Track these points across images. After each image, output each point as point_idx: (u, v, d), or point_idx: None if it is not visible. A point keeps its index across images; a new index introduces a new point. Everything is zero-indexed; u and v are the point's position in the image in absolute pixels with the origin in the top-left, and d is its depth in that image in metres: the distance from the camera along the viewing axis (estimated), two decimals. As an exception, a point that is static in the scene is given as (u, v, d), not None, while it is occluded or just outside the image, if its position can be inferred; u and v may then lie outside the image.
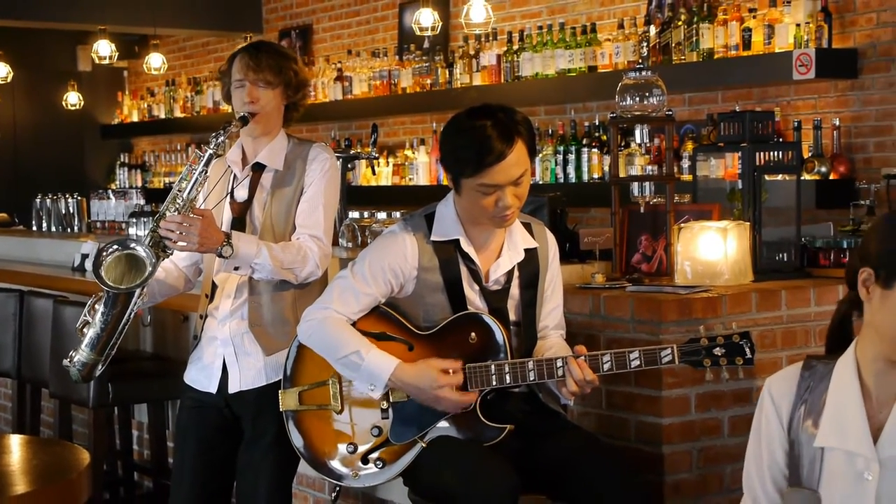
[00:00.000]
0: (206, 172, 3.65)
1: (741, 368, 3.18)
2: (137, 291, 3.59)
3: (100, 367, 3.67)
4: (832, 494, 2.44)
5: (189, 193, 3.61)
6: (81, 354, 3.65)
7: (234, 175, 3.82)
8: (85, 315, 3.67)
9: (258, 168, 3.80)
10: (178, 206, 3.60)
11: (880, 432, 2.44)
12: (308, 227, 3.74)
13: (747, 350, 3.15)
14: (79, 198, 7.84)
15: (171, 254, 3.67)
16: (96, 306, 3.64)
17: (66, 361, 3.68)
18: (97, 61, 9.68)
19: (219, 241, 3.57)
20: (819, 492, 2.46)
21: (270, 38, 9.92)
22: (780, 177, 4.29)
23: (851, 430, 2.45)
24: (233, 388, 3.76)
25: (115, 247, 3.59)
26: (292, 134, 3.90)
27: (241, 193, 3.80)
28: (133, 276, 3.58)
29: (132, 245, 3.59)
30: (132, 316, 3.64)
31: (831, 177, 5.70)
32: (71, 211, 7.77)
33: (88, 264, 6.08)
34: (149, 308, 4.73)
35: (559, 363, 3.20)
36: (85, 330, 3.65)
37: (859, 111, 5.76)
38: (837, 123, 5.79)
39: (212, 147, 3.66)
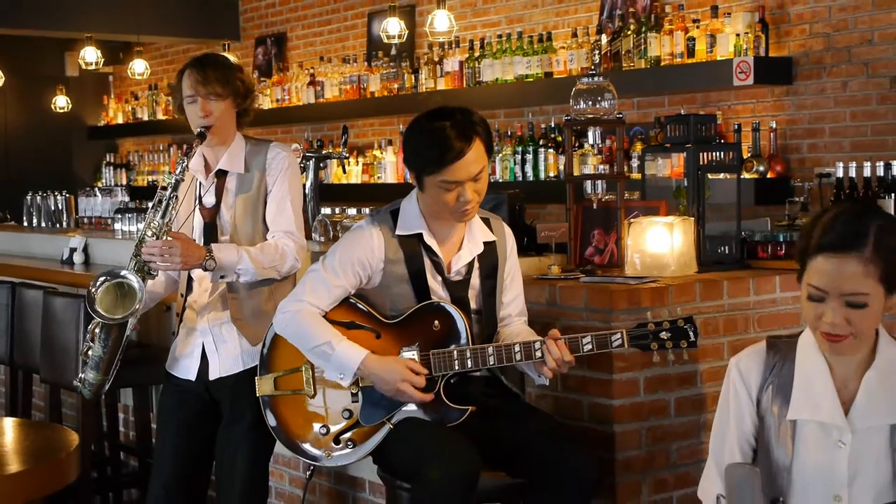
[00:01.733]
0: (176, 196, 3.65)
1: (686, 351, 3.20)
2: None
3: (108, 384, 3.73)
4: (806, 461, 2.47)
5: (163, 217, 3.61)
6: (89, 376, 3.71)
7: (200, 182, 3.80)
8: (86, 341, 3.71)
9: (221, 174, 3.79)
10: (154, 230, 3.60)
11: (848, 404, 2.47)
12: (280, 225, 3.74)
13: (691, 333, 3.17)
14: (67, 195, 7.78)
15: (157, 275, 3.68)
16: (96, 331, 3.65)
17: (76, 383, 3.75)
18: (84, 67, 9.60)
19: (201, 257, 3.59)
20: (791, 461, 2.48)
21: (247, 46, 9.89)
22: (721, 175, 4.31)
23: (823, 402, 2.48)
24: (213, 374, 3.76)
25: (105, 278, 3.60)
26: (250, 136, 3.88)
27: (209, 199, 3.79)
28: (125, 301, 3.59)
29: (121, 273, 3.60)
30: (129, 334, 3.69)
31: (769, 175, 5.74)
32: (60, 207, 7.71)
33: (77, 257, 6.08)
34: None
35: (537, 345, 3.20)
36: (89, 353, 3.67)
37: (794, 115, 5.79)
38: (774, 126, 5.82)
39: (178, 174, 3.67)
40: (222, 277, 3.67)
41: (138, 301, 3.56)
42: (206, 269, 3.62)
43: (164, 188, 3.65)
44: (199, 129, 3.71)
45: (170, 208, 3.62)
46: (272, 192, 3.76)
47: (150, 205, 3.67)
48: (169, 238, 3.58)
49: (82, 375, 3.71)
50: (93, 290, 3.57)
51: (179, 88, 3.78)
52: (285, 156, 3.80)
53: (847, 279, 2.38)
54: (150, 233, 3.60)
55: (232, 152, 3.79)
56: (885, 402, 2.46)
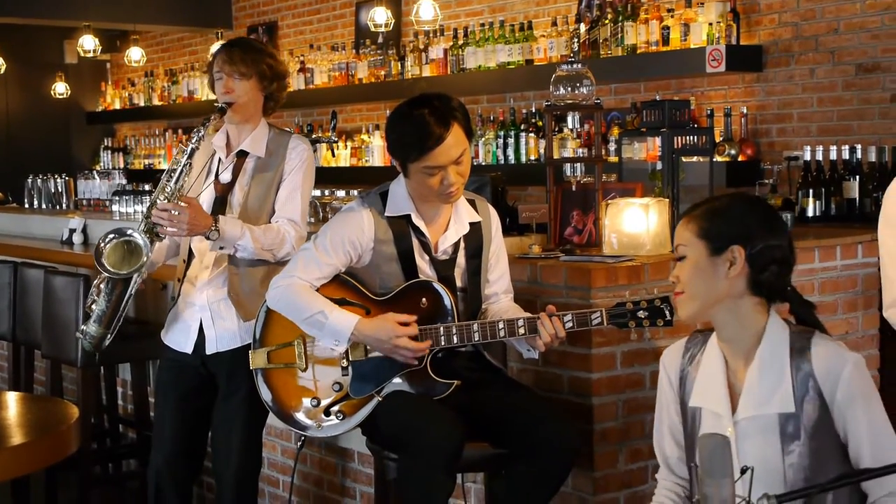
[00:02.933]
0: (190, 164, 3.65)
1: (662, 329, 3.20)
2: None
3: (108, 338, 3.71)
4: None
5: (176, 183, 3.60)
6: (91, 328, 3.69)
7: (220, 159, 3.79)
8: (92, 295, 3.69)
9: (242, 154, 3.78)
10: (167, 194, 3.59)
11: (738, 396, 2.49)
12: (286, 212, 3.75)
13: (667, 313, 3.16)
14: (66, 178, 7.75)
15: (164, 238, 3.66)
16: (101, 286, 3.63)
17: (78, 334, 3.73)
18: (82, 54, 9.56)
19: (206, 225, 3.58)
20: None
21: (239, 34, 9.81)
22: (695, 158, 4.30)
23: (714, 393, 2.52)
24: (210, 349, 3.76)
25: (113, 235, 3.59)
26: (274, 125, 3.88)
27: (226, 176, 3.79)
28: (131, 259, 3.58)
29: (129, 232, 3.60)
30: (133, 293, 3.67)
31: (740, 159, 5.74)
32: (59, 190, 7.68)
33: (76, 238, 6.05)
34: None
35: (520, 322, 3.18)
36: (93, 307, 3.65)
37: (764, 101, 5.79)
38: (745, 111, 5.82)
39: (193, 142, 3.66)
40: (221, 248, 3.67)
41: (144, 256, 3.55)
42: (208, 238, 3.62)
43: (180, 156, 3.65)
44: (221, 106, 3.71)
45: (183, 175, 3.62)
46: (286, 181, 3.75)
47: (165, 170, 3.66)
48: (180, 203, 3.57)
49: (84, 328, 3.70)
50: (102, 245, 3.56)
51: (212, 66, 3.78)
52: (305, 148, 3.79)
53: (676, 235, 2.52)
54: (162, 196, 3.60)
55: (256, 136, 3.78)
56: (766, 393, 2.45)
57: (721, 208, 2.51)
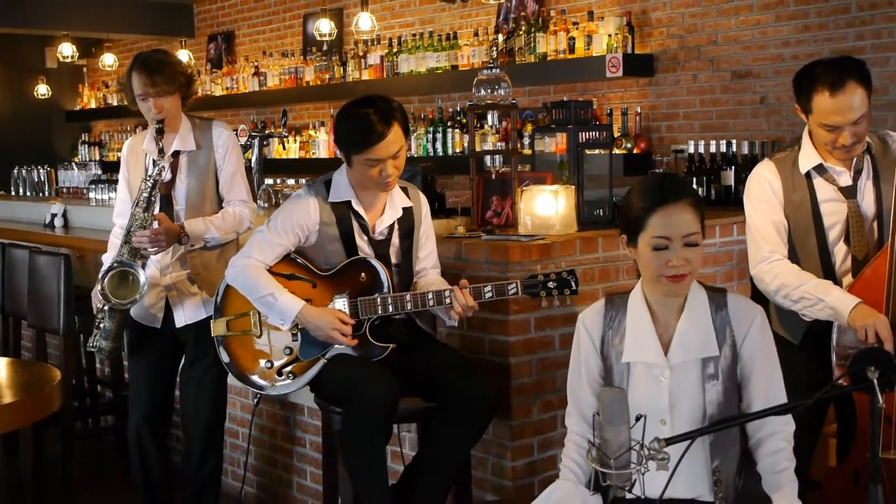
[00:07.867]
0: (157, 193, 3.57)
1: (569, 297, 3.21)
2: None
3: (117, 347, 3.68)
4: (636, 395, 2.49)
5: (145, 212, 3.55)
6: (102, 344, 3.63)
7: (153, 160, 3.63)
8: (98, 316, 3.63)
9: (176, 154, 3.71)
10: (140, 222, 3.55)
11: (667, 345, 2.50)
12: (234, 195, 3.75)
13: (573, 283, 3.18)
14: (48, 169, 7.62)
15: (149, 258, 3.63)
16: (104, 309, 3.60)
17: (90, 349, 3.66)
18: (61, 60, 9.39)
19: (178, 234, 3.57)
20: (626, 394, 2.51)
21: (201, 42, 9.69)
22: (596, 151, 4.31)
23: (647, 346, 2.51)
24: (179, 323, 3.74)
25: (114, 265, 3.56)
26: (192, 115, 3.80)
27: (166, 175, 3.71)
28: (128, 286, 3.55)
29: (124, 263, 3.56)
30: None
31: (635, 151, 5.78)
32: (42, 179, 7.54)
33: (57, 221, 5.95)
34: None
35: (446, 293, 3.17)
36: (101, 325, 3.61)
37: (655, 102, 5.84)
38: (639, 111, 5.87)
39: (155, 174, 3.57)
40: (193, 246, 3.65)
41: (142, 286, 3.54)
42: (181, 244, 3.59)
43: (144, 190, 3.58)
44: (157, 126, 3.62)
45: (151, 203, 3.56)
46: (223, 168, 3.72)
47: (134, 201, 3.59)
48: (155, 226, 3.53)
49: (97, 344, 3.64)
50: (103, 280, 3.53)
51: (130, 87, 3.67)
52: (229, 135, 3.76)
53: (686, 223, 2.44)
54: (136, 224, 3.56)
55: (182, 134, 3.73)
56: (694, 340, 2.49)
57: (696, 194, 2.51)
